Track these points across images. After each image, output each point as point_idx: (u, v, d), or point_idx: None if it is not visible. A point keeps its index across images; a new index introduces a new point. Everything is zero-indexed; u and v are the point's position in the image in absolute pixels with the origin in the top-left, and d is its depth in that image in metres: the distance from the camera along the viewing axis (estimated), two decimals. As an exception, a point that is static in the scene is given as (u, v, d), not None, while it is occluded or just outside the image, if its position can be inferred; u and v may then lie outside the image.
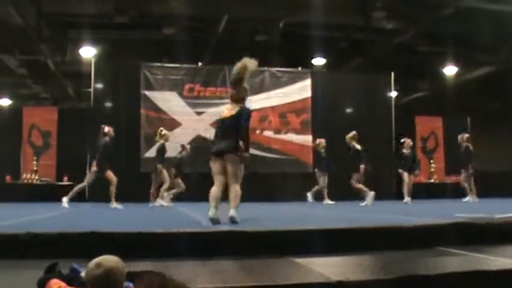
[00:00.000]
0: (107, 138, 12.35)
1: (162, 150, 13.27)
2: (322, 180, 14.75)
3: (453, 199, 16.23)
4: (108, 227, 5.27)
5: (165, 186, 13.24)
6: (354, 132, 13.50)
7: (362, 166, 12.99)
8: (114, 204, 11.99)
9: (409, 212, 8.84)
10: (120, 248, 3.62)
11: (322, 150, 14.93)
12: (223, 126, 6.66)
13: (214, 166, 6.58)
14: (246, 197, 11.99)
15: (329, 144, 16.45)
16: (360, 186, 12.97)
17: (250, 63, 6.86)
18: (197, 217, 7.61)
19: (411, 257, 4.55)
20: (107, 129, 12.40)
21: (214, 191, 6.44)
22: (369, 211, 9.77)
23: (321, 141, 15.01)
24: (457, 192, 18.22)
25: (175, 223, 6.57)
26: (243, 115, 6.52)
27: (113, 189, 12.23)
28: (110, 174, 12.24)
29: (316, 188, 14.78)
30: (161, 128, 13.70)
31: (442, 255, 4.69)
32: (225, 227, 5.33)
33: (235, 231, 4.89)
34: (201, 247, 4.61)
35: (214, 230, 5.12)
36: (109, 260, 2.82)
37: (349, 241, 4.95)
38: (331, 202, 14.37)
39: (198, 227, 5.62)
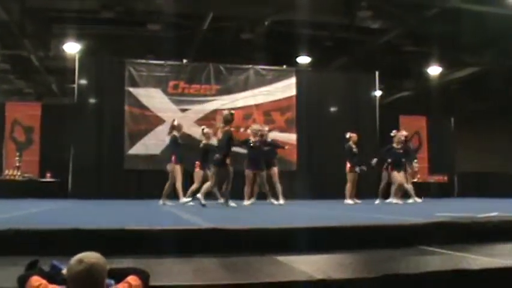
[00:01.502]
0: (175, 132, 12.06)
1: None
2: (352, 178, 13.56)
3: (437, 199, 16.35)
4: (91, 223, 5.24)
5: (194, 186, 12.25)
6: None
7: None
8: (184, 199, 11.69)
9: (391, 211, 8.87)
10: (102, 245, 3.59)
11: (354, 146, 13.62)
12: None
13: None
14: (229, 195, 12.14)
15: (313, 143, 16.55)
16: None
17: None
18: (181, 214, 7.60)
19: (394, 256, 4.57)
20: (176, 122, 12.12)
21: None
22: (352, 210, 9.81)
23: (353, 136, 13.69)
24: (441, 191, 18.40)
25: (159, 220, 6.55)
26: None
27: (178, 185, 12.01)
28: (176, 169, 11.97)
29: (347, 187, 13.62)
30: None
31: (424, 254, 4.72)
32: (207, 225, 5.31)
33: (218, 228, 4.88)
34: (184, 245, 4.60)
35: (197, 227, 5.11)
36: (91, 256, 2.81)
37: (332, 239, 4.96)
38: (354, 202, 13.47)
39: (181, 225, 5.61)
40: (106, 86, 16.23)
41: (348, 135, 13.68)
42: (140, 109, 16.25)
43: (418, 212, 8.58)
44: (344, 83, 18.20)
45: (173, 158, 12.27)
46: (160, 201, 11.92)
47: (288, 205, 12.05)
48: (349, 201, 13.24)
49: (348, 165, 13.47)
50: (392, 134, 13.73)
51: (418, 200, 13.75)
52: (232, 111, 11.42)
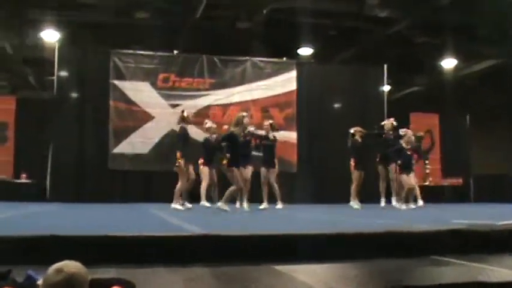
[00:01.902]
0: (183, 124, 11.64)
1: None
2: (406, 179, 12.96)
3: (451, 203, 16.35)
4: (71, 229, 5.21)
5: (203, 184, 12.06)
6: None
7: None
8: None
9: (400, 217, 8.86)
10: (83, 253, 3.57)
11: (405, 146, 13.09)
12: None
13: None
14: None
15: (315, 142, 16.54)
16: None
17: None
18: (170, 219, 7.57)
19: (403, 266, 4.54)
20: (186, 113, 11.72)
21: None
22: (357, 215, 9.79)
23: (408, 132, 13.33)
24: (455, 195, 18.36)
25: (145, 226, 6.52)
26: None
27: (180, 187, 11.64)
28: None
29: (404, 191, 13.15)
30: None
31: (437, 264, 4.69)
32: (199, 231, 5.29)
33: (211, 235, 4.86)
34: (174, 253, 4.57)
35: (188, 234, 5.08)
36: (70, 266, 2.77)
37: (335, 248, 4.93)
38: (418, 204, 13.44)
39: (170, 231, 5.58)
40: (89, 79, 16.23)
41: (352, 130, 13.64)
42: (126, 104, 16.24)
43: (431, 218, 8.55)
44: (349, 76, 18.23)
45: (201, 160, 12.29)
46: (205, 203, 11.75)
47: (287, 209, 12.03)
48: (355, 203, 13.19)
49: (352, 162, 13.43)
50: (401, 133, 13.60)
51: (412, 205, 13.48)
52: (245, 113, 11.33)
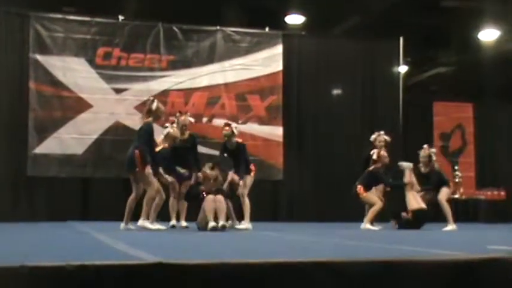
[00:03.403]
0: (150, 119, 11.53)
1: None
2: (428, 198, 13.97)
3: (488, 224, 16.43)
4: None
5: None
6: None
7: None
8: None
9: (422, 241, 8.90)
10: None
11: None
12: None
13: None
14: (189, 216, 12.14)
15: (307, 140, 16.57)
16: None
17: None
18: (114, 244, 7.55)
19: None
20: (154, 105, 11.56)
21: None
22: (369, 239, 9.82)
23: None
24: (494, 213, 18.39)
25: (82, 253, 6.49)
26: None
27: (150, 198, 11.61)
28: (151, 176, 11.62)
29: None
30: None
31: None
32: (151, 258, 5.27)
33: (166, 263, 4.84)
34: (119, 286, 4.55)
35: (138, 262, 5.06)
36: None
37: (338, 280, 4.94)
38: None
39: (115, 259, 5.56)
40: (0, 52, 16.06)
41: (373, 137, 13.99)
42: (53, 87, 16.15)
43: (462, 242, 8.58)
44: (353, 53, 18.33)
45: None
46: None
47: (266, 229, 12.06)
48: (370, 225, 13.36)
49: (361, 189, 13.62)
50: (422, 154, 13.95)
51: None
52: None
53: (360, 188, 13.43)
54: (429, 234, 11.67)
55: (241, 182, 12.72)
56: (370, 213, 13.50)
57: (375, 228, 13.30)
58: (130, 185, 11.74)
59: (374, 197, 13.60)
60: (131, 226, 11.34)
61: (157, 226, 11.33)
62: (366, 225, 13.39)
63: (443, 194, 13.74)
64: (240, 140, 12.91)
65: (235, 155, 12.73)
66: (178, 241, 8.86)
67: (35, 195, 15.78)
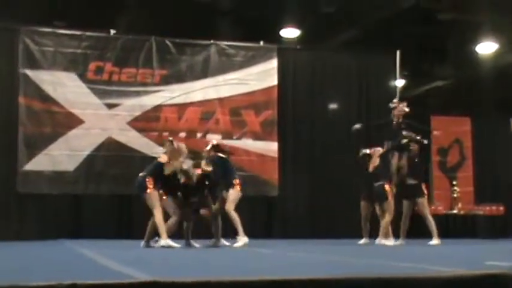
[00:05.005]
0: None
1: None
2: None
3: (486, 239, 16.44)
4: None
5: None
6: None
7: None
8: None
9: (423, 258, 8.91)
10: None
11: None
12: None
13: None
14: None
15: (302, 155, 16.59)
16: None
17: None
18: (107, 263, 7.56)
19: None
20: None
21: None
22: (365, 255, 9.84)
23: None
24: (493, 229, 18.40)
25: (73, 272, 6.49)
26: None
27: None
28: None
29: None
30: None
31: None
32: (144, 277, 5.28)
33: (161, 282, 4.85)
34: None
35: (130, 281, 5.06)
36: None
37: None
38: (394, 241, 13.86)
39: (107, 278, 5.56)
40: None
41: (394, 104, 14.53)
42: (44, 103, 16.12)
43: (459, 258, 8.58)
44: (350, 67, 18.39)
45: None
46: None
47: (261, 246, 12.06)
48: (387, 240, 13.42)
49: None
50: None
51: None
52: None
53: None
54: (427, 250, 11.68)
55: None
56: (383, 228, 13.54)
57: (390, 243, 13.32)
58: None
59: (392, 206, 13.66)
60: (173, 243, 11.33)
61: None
62: (381, 240, 13.44)
63: (424, 206, 13.78)
64: (221, 155, 12.93)
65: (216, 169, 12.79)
66: (171, 258, 8.86)
67: (26, 212, 15.76)
